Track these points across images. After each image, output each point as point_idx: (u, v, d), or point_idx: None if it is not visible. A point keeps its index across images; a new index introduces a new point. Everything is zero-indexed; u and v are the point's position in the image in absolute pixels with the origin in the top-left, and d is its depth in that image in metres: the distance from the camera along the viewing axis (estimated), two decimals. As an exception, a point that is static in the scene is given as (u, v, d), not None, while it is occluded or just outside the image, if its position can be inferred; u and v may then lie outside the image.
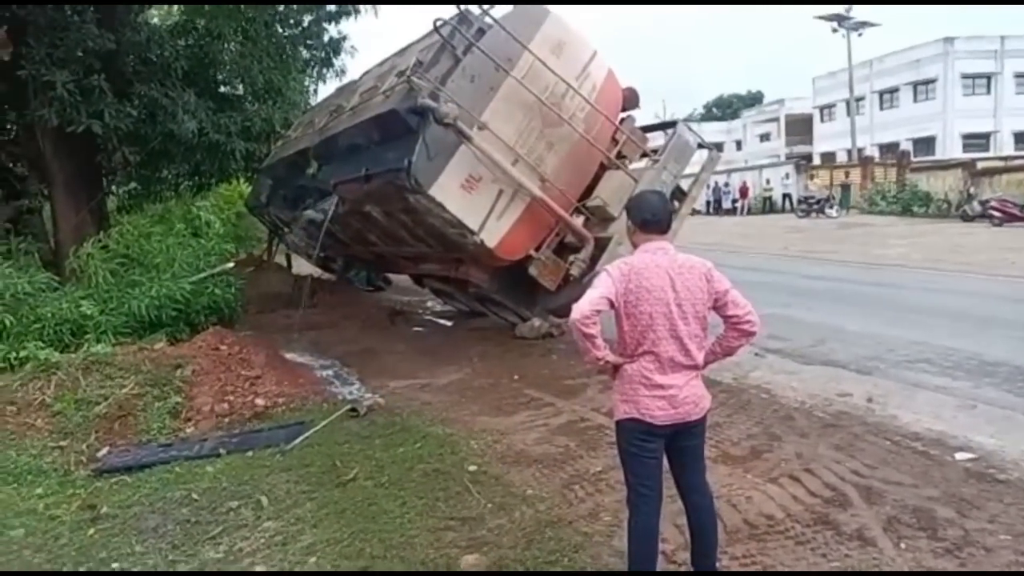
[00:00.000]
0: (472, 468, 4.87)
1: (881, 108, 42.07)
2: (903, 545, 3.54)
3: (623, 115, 8.55)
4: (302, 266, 15.22)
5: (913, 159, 31.97)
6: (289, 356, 8.64)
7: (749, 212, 34.97)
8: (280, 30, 13.85)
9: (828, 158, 42.07)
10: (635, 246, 3.14)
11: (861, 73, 39.86)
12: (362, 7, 13.88)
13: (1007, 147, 36.28)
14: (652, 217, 3.09)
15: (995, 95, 37.92)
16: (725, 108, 69.86)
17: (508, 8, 8.08)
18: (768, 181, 35.40)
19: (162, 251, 10.03)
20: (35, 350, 7.09)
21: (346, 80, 13.66)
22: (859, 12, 38.29)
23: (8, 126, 13.58)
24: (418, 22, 9.00)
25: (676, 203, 8.13)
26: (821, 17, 38.42)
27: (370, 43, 15.20)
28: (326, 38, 14.66)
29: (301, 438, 5.63)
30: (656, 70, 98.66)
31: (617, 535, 3.71)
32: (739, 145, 55.46)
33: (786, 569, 3.44)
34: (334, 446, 5.47)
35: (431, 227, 8.07)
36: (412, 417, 6.13)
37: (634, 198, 3.38)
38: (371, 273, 13.21)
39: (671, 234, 3.21)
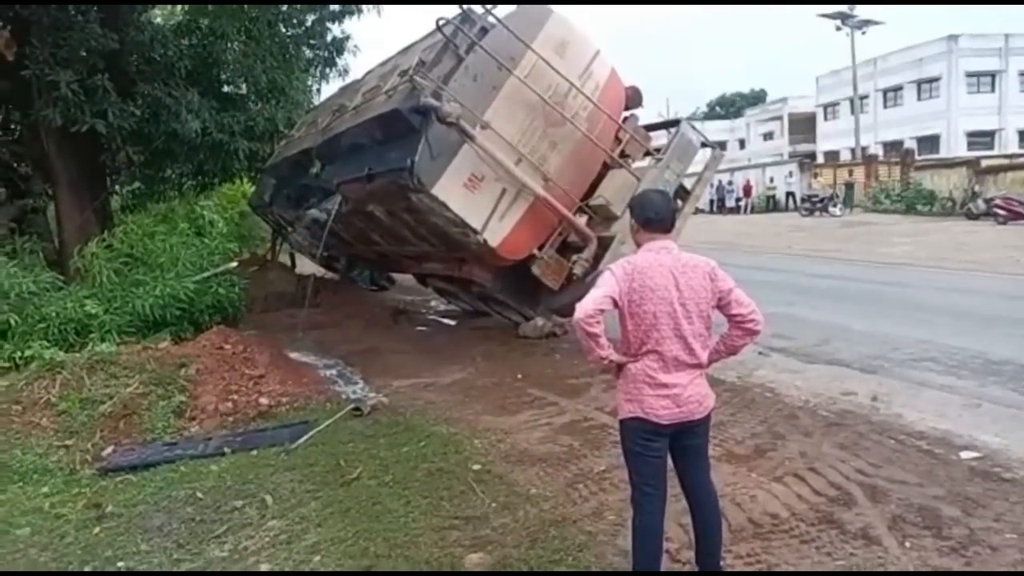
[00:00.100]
0: (476, 467, 4.88)
1: (885, 106, 41.97)
2: (908, 544, 3.54)
3: (626, 114, 8.55)
4: (306, 265, 15.24)
5: (917, 157, 31.86)
6: (293, 355, 8.66)
7: (752, 211, 34.91)
8: (283, 30, 13.86)
9: (832, 157, 41.99)
10: (639, 245, 3.13)
11: (865, 71, 39.75)
12: (365, 7, 13.88)
13: (1012, 145, 36.17)
14: (655, 216, 3.09)
15: (999, 93, 37.82)
16: (728, 107, 69.76)
17: (511, 7, 8.09)
18: (772, 180, 35.34)
19: (166, 250, 10.06)
20: (40, 349, 7.12)
21: (349, 79, 13.68)
22: (863, 10, 38.23)
23: (12, 126, 13.61)
24: (421, 21, 9.00)
25: (679, 202, 8.13)
26: (825, 15, 38.32)
27: (373, 42, 15.23)
28: (329, 37, 14.66)
29: (305, 437, 5.64)
30: (659, 69, 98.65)
31: (621, 534, 3.71)
32: (742, 144, 55.37)
33: (791, 568, 3.43)
34: (338, 445, 5.48)
35: (434, 226, 8.07)
36: (416, 416, 6.14)
37: (637, 197, 3.38)
38: (374, 272, 13.22)
39: (675, 233, 3.21)
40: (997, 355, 6.91)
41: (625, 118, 8.50)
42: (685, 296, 2.95)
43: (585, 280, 7.34)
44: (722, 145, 10.78)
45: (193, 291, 9.31)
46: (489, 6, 7.73)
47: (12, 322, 7.57)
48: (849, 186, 30.94)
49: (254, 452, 5.47)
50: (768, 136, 54.30)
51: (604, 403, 5.99)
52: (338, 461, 5.14)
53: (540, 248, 7.78)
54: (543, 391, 6.68)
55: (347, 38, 14.87)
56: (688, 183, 8.65)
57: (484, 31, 7.58)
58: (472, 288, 9.36)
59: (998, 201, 21.17)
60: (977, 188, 23.92)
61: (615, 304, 2.96)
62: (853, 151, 38.47)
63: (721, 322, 3.09)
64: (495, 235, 7.50)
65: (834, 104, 45.27)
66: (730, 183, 36.89)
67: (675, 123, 9.09)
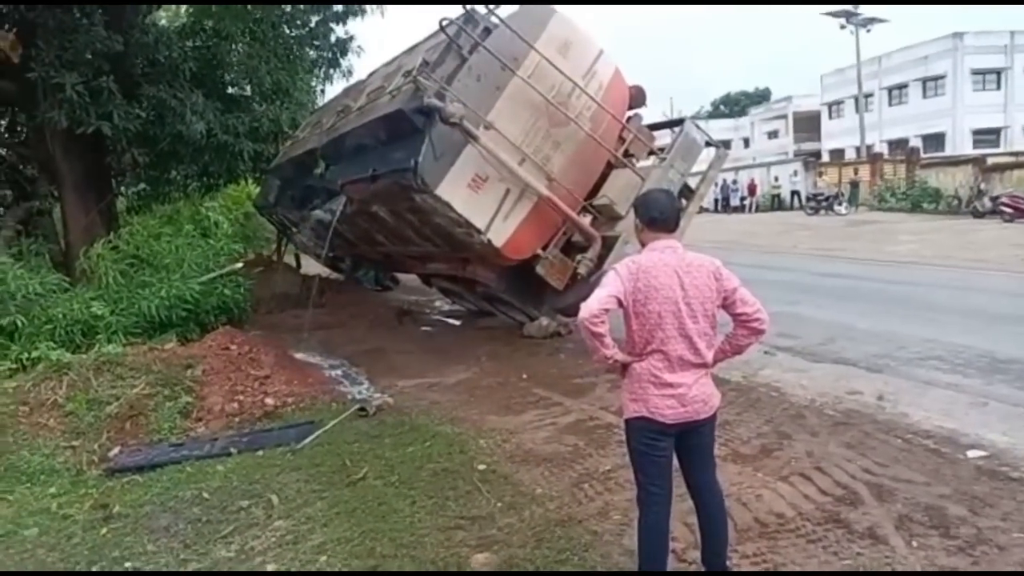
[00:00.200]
0: (481, 467, 4.88)
1: (890, 104, 41.80)
2: (915, 543, 3.53)
3: (630, 113, 8.54)
4: (311, 266, 15.27)
5: (922, 155, 31.74)
6: (298, 356, 8.68)
7: (757, 209, 34.80)
8: (287, 31, 13.89)
9: (837, 155, 41.83)
10: (643, 244, 3.13)
11: (869, 70, 39.60)
12: (368, 7, 13.90)
13: (1018, 143, 35.94)
14: (660, 215, 3.09)
15: (1005, 90, 37.61)
16: (733, 105, 69.59)
17: (514, 7, 8.09)
18: (776, 178, 35.23)
19: (171, 252, 10.09)
20: (47, 351, 7.15)
21: (353, 80, 13.70)
22: (867, 8, 38.09)
23: (18, 128, 13.69)
24: (425, 22, 9.01)
25: (684, 201, 8.11)
26: (829, 14, 38.18)
27: (377, 43, 15.23)
28: (333, 38, 14.68)
29: (311, 437, 5.65)
30: (663, 68, 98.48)
31: (627, 534, 3.71)
32: (747, 142, 55.25)
33: (797, 568, 3.43)
34: (344, 445, 5.49)
35: (438, 227, 8.08)
36: (421, 416, 6.15)
37: (642, 196, 3.38)
38: (379, 273, 13.25)
39: (679, 232, 3.20)
40: (1004, 353, 6.89)
41: (629, 117, 8.48)
42: (690, 295, 2.95)
43: (589, 280, 7.34)
44: (726, 144, 10.74)
45: (199, 292, 9.35)
46: (492, 6, 7.73)
47: (19, 323, 7.62)
48: (854, 184, 30.79)
49: (260, 452, 5.49)
50: (773, 135, 54.15)
51: (609, 403, 5.99)
52: (344, 461, 5.15)
53: (544, 248, 7.78)
54: (548, 391, 6.68)
55: (351, 39, 14.90)
56: (692, 182, 8.64)
57: (487, 31, 7.58)
58: (476, 288, 9.37)
59: (1004, 199, 21.06)
60: (983, 186, 23.80)
61: (620, 304, 2.96)
62: (858, 149, 38.32)
63: (726, 321, 3.09)
64: (499, 235, 7.50)
65: (839, 102, 45.10)
66: (734, 182, 36.79)
67: (679, 122, 9.08)
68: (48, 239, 11.58)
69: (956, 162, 27.59)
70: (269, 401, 6.64)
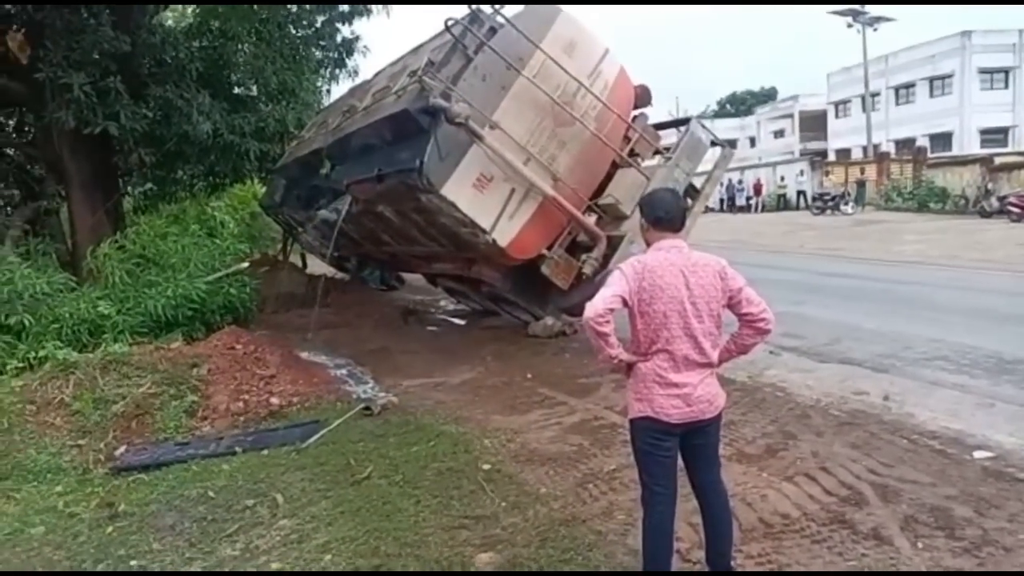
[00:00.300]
0: (486, 467, 4.88)
1: (897, 104, 41.65)
2: (920, 544, 3.52)
3: (635, 113, 8.52)
4: (316, 266, 15.30)
5: (930, 155, 31.63)
6: (304, 355, 8.69)
7: (763, 209, 34.74)
8: (293, 31, 13.93)
9: (843, 154, 41.72)
10: (648, 244, 3.13)
11: (876, 69, 39.47)
12: (374, 7, 13.93)
13: (1026, 142, 35.85)
14: (665, 215, 3.08)
15: (1013, 89, 37.44)
16: (738, 105, 69.41)
17: (519, 7, 8.08)
18: (782, 178, 35.15)
19: (178, 251, 10.14)
20: (54, 350, 7.19)
21: (359, 80, 13.72)
22: (874, 7, 37.97)
23: (26, 128, 13.77)
24: (430, 22, 9.01)
25: (689, 201, 8.10)
26: (836, 12, 38.07)
27: (382, 43, 15.26)
28: (339, 38, 14.72)
29: (316, 437, 5.66)
30: (669, 67, 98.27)
31: (631, 534, 3.70)
32: (753, 142, 55.10)
33: (802, 568, 3.42)
34: (348, 445, 5.50)
35: (443, 227, 8.09)
36: (426, 416, 6.15)
37: (647, 196, 3.37)
38: (384, 272, 13.25)
39: (684, 232, 3.20)
40: (1011, 354, 6.85)
41: (634, 117, 8.47)
42: (695, 295, 2.94)
43: (594, 279, 7.33)
44: (732, 143, 10.72)
45: (205, 292, 9.38)
46: (498, 6, 7.72)
47: (26, 323, 7.66)
48: (861, 184, 30.72)
49: (265, 451, 5.50)
50: (779, 134, 54.00)
51: (614, 402, 5.98)
52: (348, 460, 5.16)
53: (549, 248, 7.78)
54: (553, 390, 6.68)
55: (356, 39, 14.94)
56: (698, 182, 8.62)
57: (493, 31, 7.58)
58: (482, 288, 9.37)
59: (1012, 199, 20.97)
60: (990, 185, 23.71)
61: (625, 303, 2.95)
62: (865, 149, 38.20)
63: (732, 321, 3.08)
64: (504, 235, 7.51)
65: (845, 102, 44.96)
66: (740, 182, 36.74)
67: (685, 122, 9.07)
68: (55, 239, 11.63)
69: (963, 162, 27.49)
70: (274, 400, 6.66)
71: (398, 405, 6.51)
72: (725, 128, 48.00)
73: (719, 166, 8.93)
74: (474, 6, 7.65)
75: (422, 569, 3.65)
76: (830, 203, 28.09)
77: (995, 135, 36.66)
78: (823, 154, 42.57)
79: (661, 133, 9.01)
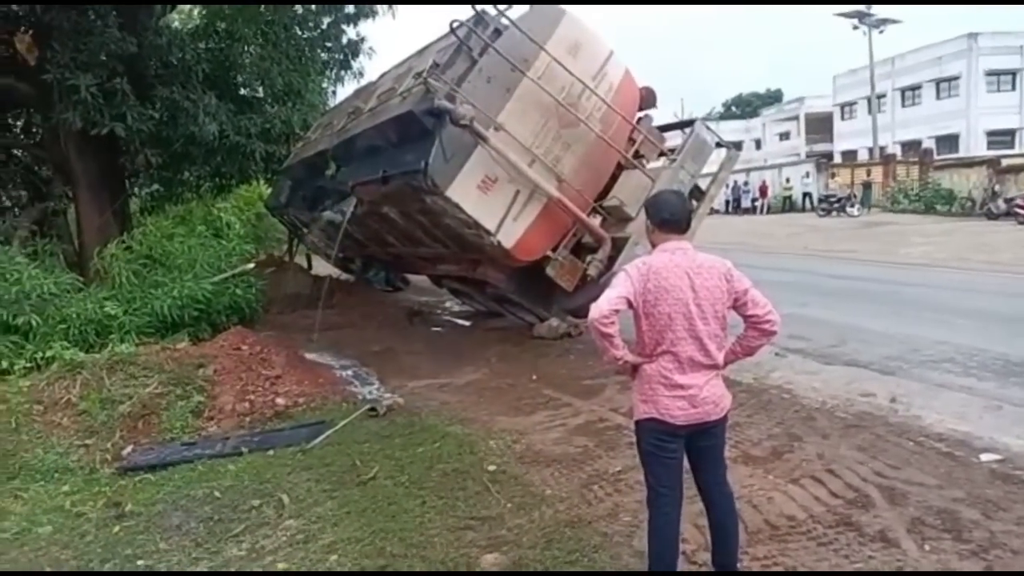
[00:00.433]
0: (491, 468, 4.88)
1: (903, 105, 41.52)
2: (927, 547, 3.50)
3: (640, 114, 8.52)
4: (321, 267, 15.33)
5: (936, 157, 31.51)
6: (309, 356, 8.71)
7: (769, 211, 34.63)
8: (299, 32, 13.96)
9: (849, 156, 41.57)
10: (654, 246, 3.13)
11: (882, 70, 39.35)
12: (379, 9, 13.96)
13: (1032, 144, 35.68)
14: (671, 217, 3.08)
15: (1021, 92, 37.26)
16: (744, 107, 69.34)
17: (525, 8, 8.10)
18: (788, 180, 35.06)
19: (184, 252, 10.17)
20: (61, 350, 7.23)
21: (364, 82, 13.76)
22: (880, 9, 37.85)
23: (33, 129, 13.83)
24: (435, 23, 9.03)
25: (694, 202, 8.08)
26: (842, 14, 37.98)
27: (388, 45, 15.29)
28: (344, 40, 14.74)
29: (322, 437, 5.67)
30: (674, 69, 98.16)
31: (637, 535, 3.70)
32: (758, 144, 54.99)
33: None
34: (354, 445, 5.51)
35: (448, 228, 8.10)
36: (431, 417, 6.16)
37: (652, 198, 3.37)
38: (389, 273, 13.27)
39: (690, 234, 3.20)
40: (1018, 356, 6.82)
41: (639, 119, 8.47)
42: (700, 297, 2.94)
43: (599, 281, 7.33)
44: (737, 145, 10.68)
45: (211, 292, 9.41)
46: (503, 7, 7.73)
47: (34, 323, 7.69)
48: (867, 186, 30.62)
49: (271, 452, 5.52)
50: (784, 136, 53.90)
51: (619, 404, 5.98)
52: (354, 461, 5.17)
53: (554, 249, 7.78)
54: (558, 392, 6.68)
55: (362, 40, 14.95)
56: (703, 183, 8.61)
57: (498, 33, 7.59)
58: (486, 289, 9.38)
59: (1019, 201, 20.89)
60: (997, 188, 23.61)
61: (630, 305, 2.95)
62: (871, 151, 38.07)
63: (737, 323, 3.08)
64: (509, 236, 7.51)
65: (851, 103, 44.83)
66: (746, 183, 36.64)
67: (690, 123, 9.06)
68: (62, 239, 11.70)
69: (970, 163, 27.37)
70: (280, 401, 6.67)
71: (403, 406, 6.52)
72: (731, 130, 47.87)
73: (724, 168, 8.91)
74: (479, 7, 7.66)
75: (428, 570, 3.65)
76: (836, 205, 28.00)
77: (1002, 137, 36.49)
78: (829, 156, 42.42)
79: (666, 135, 9.01)
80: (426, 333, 10.68)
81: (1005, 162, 25.69)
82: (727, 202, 35.81)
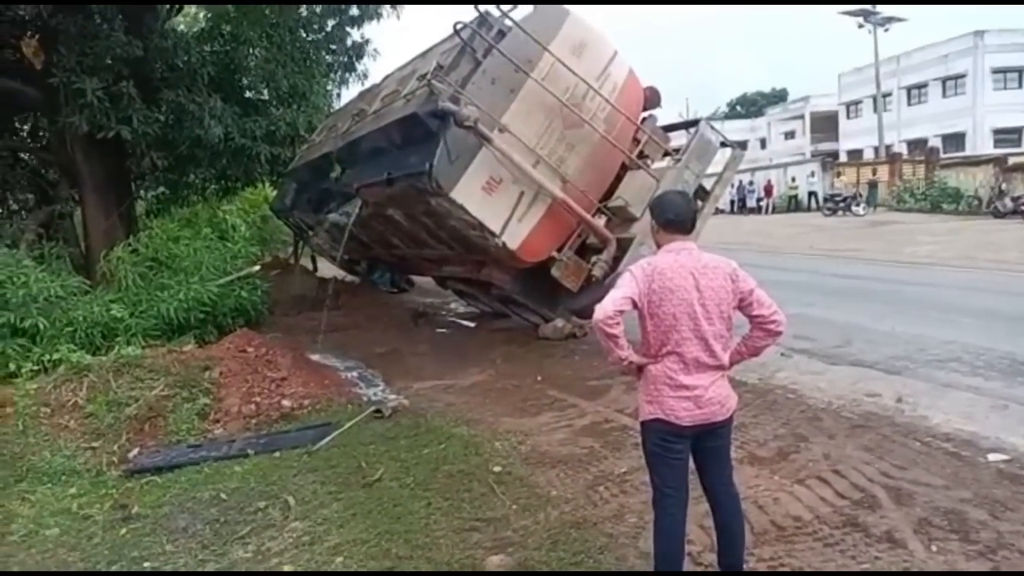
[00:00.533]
0: (497, 469, 4.88)
1: (909, 104, 41.35)
2: (934, 547, 3.49)
3: (644, 115, 8.51)
4: (327, 268, 15.36)
5: (942, 155, 31.39)
6: (314, 358, 8.73)
7: (774, 211, 34.55)
8: (304, 35, 14.01)
9: (855, 155, 41.46)
10: (659, 246, 3.12)
11: (888, 69, 39.20)
12: (384, 11, 13.99)
13: (1040, 142, 35.46)
14: (676, 217, 3.08)
15: (1027, 89, 37.09)
16: (749, 106, 69.15)
17: (529, 8, 8.10)
18: (793, 179, 34.97)
19: (190, 254, 10.21)
20: (67, 353, 7.26)
21: (368, 84, 13.77)
22: (885, 7, 37.74)
23: (40, 133, 13.91)
24: (439, 25, 9.04)
25: (699, 202, 8.07)
26: (847, 13, 37.87)
27: (392, 47, 15.31)
28: (349, 42, 14.79)
29: (327, 439, 5.68)
30: (679, 69, 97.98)
31: (643, 536, 3.70)
32: (764, 143, 54.84)
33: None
34: (360, 447, 5.52)
35: (453, 229, 8.11)
36: (436, 418, 6.16)
37: (657, 198, 3.37)
38: (394, 275, 13.31)
39: (695, 234, 3.19)
40: (1026, 356, 6.79)
41: (643, 119, 8.46)
42: (705, 297, 2.94)
43: (604, 282, 7.32)
44: (742, 145, 10.68)
45: (216, 294, 9.44)
46: (507, 7, 7.74)
47: (40, 326, 7.72)
48: (872, 185, 30.52)
49: (277, 454, 5.53)
50: (790, 135, 53.75)
51: (624, 405, 5.97)
52: (360, 463, 5.18)
53: (559, 250, 7.77)
54: (563, 393, 6.68)
55: (366, 42, 15.01)
56: (708, 183, 8.60)
57: (501, 34, 7.60)
58: (491, 290, 9.38)
59: (1026, 199, 20.80)
60: (1004, 186, 23.50)
61: (634, 305, 2.95)
62: (876, 149, 37.95)
63: (742, 323, 3.07)
64: (514, 237, 7.51)
65: (857, 102, 44.67)
66: (751, 183, 36.55)
67: (694, 123, 9.05)
68: (69, 242, 11.75)
69: (976, 162, 27.26)
70: (286, 403, 6.69)
71: (409, 407, 6.53)
72: (736, 129, 47.70)
73: (729, 168, 8.90)
74: (482, 8, 7.66)
75: (433, 571, 3.66)
76: (841, 204, 27.92)
77: (1009, 135, 36.29)
78: (834, 155, 42.32)
79: (671, 135, 9.00)
80: (431, 334, 10.68)
81: (1012, 160, 25.57)
82: (732, 202, 35.73)
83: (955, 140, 37.18)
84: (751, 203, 36.00)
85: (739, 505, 3.22)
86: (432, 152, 7.17)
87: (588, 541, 3.79)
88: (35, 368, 7.15)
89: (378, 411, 6.32)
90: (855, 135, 44.25)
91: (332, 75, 15.39)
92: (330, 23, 14.32)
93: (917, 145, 37.32)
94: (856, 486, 4.21)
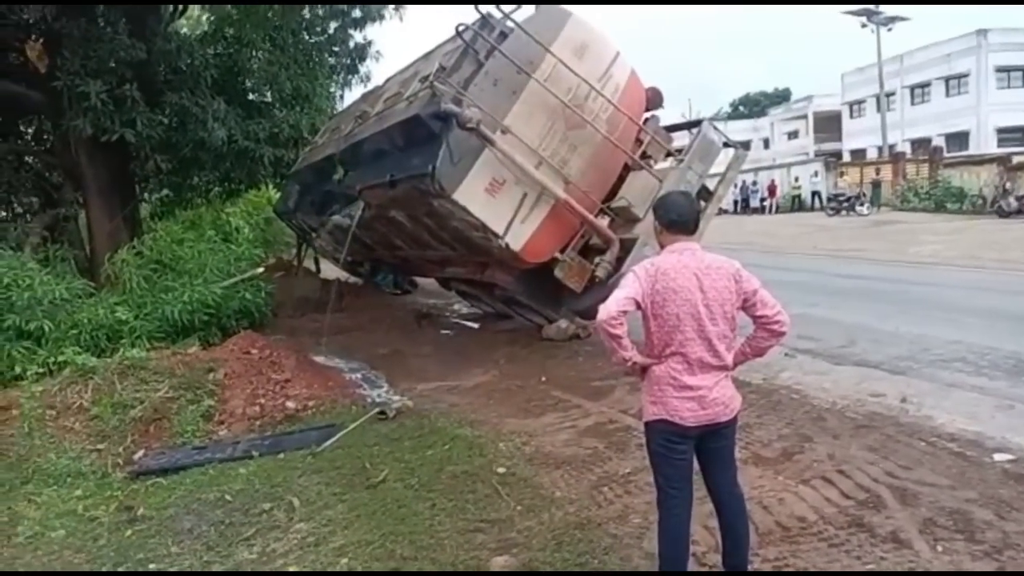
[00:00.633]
0: (501, 470, 4.89)
1: (912, 103, 41.24)
2: (940, 548, 3.48)
3: (647, 115, 8.51)
4: (330, 270, 15.38)
5: (946, 154, 31.32)
6: (318, 359, 8.74)
7: (777, 211, 34.51)
8: (307, 37, 14.05)
9: (858, 155, 41.37)
10: (662, 247, 3.13)
11: (891, 68, 39.12)
12: (386, 13, 14.02)
13: (1043, 141, 35.34)
14: (679, 217, 3.08)
15: (1031, 88, 36.96)
16: (752, 106, 69.02)
17: (531, 8, 8.10)
18: (797, 179, 34.93)
19: (194, 257, 10.23)
20: (73, 355, 7.28)
21: (371, 86, 13.80)
22: (888, 7, 37.66)
23: (44, 136, 13.96)
24: (442, 27, 9.06)
25: (702, 203, 8.06)
26: (849, 12, 37.82)
27: (395, 48, 15.35)
28: (351, 44, 14.83)
29: (332, 440, 5.69)
30: (681, 69, 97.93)
31: (647, 537, 3.70)
32: (767, 143, 54.72)
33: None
34: (364, 448, 5.53)
35: (456, 231, 8.11)
36: (440, 419, 6.17)
37: (661, 199, 3.37)
38: (397, 276, 13.30)
39: (698, 234, 3.19)
40: (1030, 355, 6.77)
41: (646, 119, 8.45)
42: (709, 297, 2.94)
43: (608, 282, 7.32)
44: (746, 145, 10.66)
45: (220, 296, 9.46)
46: (509, 7, 7.75)
47: (46, 328, 7.75)
48: (876, 185, 30.47)
49: (281, 455, 5.54)
50: (793, 135, 53.65)
51: (628, 405, 5.97)
52: (364, 464, 5.18)
53: (562, 251, 7.77)
54: (567, 393, 6.68)
55: (369, 44, 15.05)
56: (711, 184, 8.60)
57: (503, 35, 7.61)
58: (495, 291, 9.39)
59: (1030, 198, 20.74)
60: (1008, 185, 23.42)
61: (638, 306, 2.95)
62: (880, 149, 37.87)
63: (746, 323, 3.07)
64: (517, 239, 7.51)
65: (860, 102, 44.58)
66: (754, 183, 36.52)
67: (697, 123, 9.05)
68: (73, 245, 11.78)
69: (980, 161, 27.18)
70: (290, 404, 6.70)
71: (412, 408, 6.53)
72: (739, 129, 47.64)
73: (732, 168, 8.89)
74: (484, 9, 7.66)
75: (438, 571, 3.66)
76: (845, 204, 27.87)
77: (1012, 134, 36.15)
78: (838, 155, 42.22)
79: (673, 135, 9.00)
80: (435, 336, 10.69)
81: (1016, 159, 25.48)
82: (736, 202, 35.69)
83: (959, 139, 37.07)
84: (754, 203, 35.97)
85: (743, 505, 3.21)
86: (435, 154, 7.18)
87: (592, 542, 3.79)
88: (40, 371, 7.17)
89: (382, 412, 6.33)
90: (858, 135, 44.16)
91: (335, 77, 15.43)
92: (333, 25, 14.36)
93: (921, 144, 37.25)
94: (861, 486, 4.20)
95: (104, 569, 4.00)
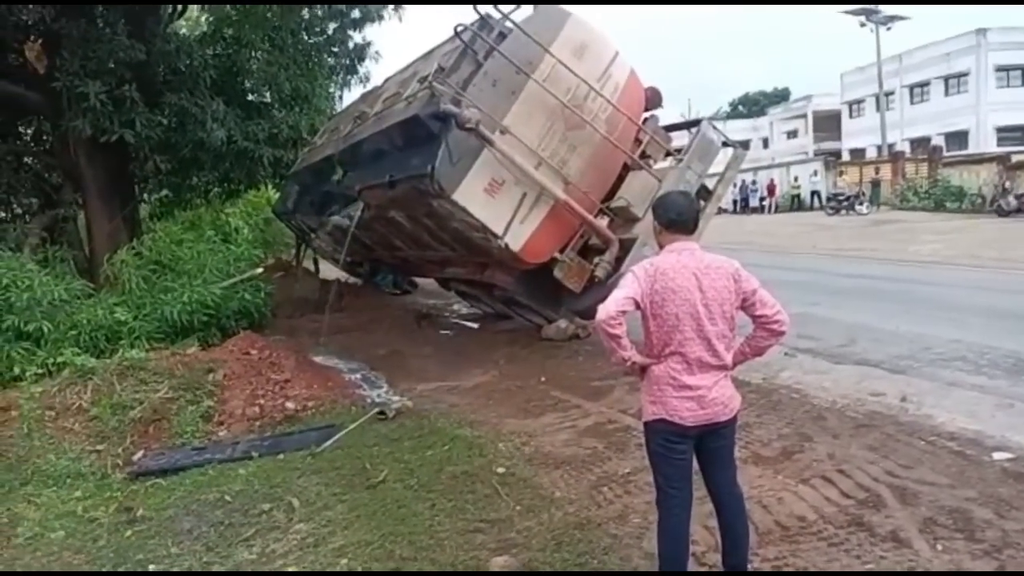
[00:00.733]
0: (500, 470, 4.89)
1: (912, 102, 41.25)
2: (939, 547, 3.48)
3: (646, 115, 8.51)
4: (329, 271, 15.38)
5: (945, 153, 31.32)
6: (318, 360, 8.74)
7: (777, 210, 34.52)
8: (306, 37, 14.05)
9: (858, 154, 41.38)
10: (661, 246, 3.13)
11: (890, 68, 39.13)
12: (385, 13, 14.01)
13: (1043, 140, 35.34)
14: (678, 217, 3.08)
15: (1030, 87, 36.95)
16: (751, 105, 69.03)
17: (530, 8, 8.10)
18: (796, 178, 34.94)
19: (193, 257, 10.23)
20: (72, 356, 7.27)
21: (370, 86, 13.79)
22: (887, 6, 37.67)
23: (43, 137, 13.95)
24: (441, 27, 9.06)
25: (701, 202, 8.06)
26: (848, 12, 37.83)
27: (394, 49, 15.36)
28: (351, 45, 14.82)
29: (331, 441, 5.69)
30: (680, 68, 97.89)
31: (647, 537, 3.70)
32: (766, 143, 54.75)
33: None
34: (364, 448, 5.53)
35: (455, 231, 8.11)
36: (440, 419, 6.16)
37: (660, 199, 3.37)
38: (397, 277, 13.31)
39: (697, 234, 3.19)
40: (1030, 354, 6.77)
41: (645, 119, 8.45)
42: (708, 297, 2.94)
43: (607, 282, 7.32)
44: (745, 144, 10.67)
45: (220, 297, 9.46)
46: (508, 7, 7.75)
47: (45, 329, 7.75)
48: (875, 184, 30.48)
49: (281, 456, 5.54)
50: (792, 135, 53.66)
51: (628, 405, 5.97)
52: (363, 464, 5.18)
53: (562, 251, 7.77)
54: (567, 394, 6.68)
55: (368, 45, 15.04)
56: (710, 183, 8.59)
57: (502, 36, 7.60)
58: (494, 291, 9.38)
59: (1029, 197, 20.74)
60: (1007, 184, 23.42)
61: (637, 305, 2.95)
62: (879, 148, 37.89)
63: (745, 323, 3.07)
64: (516, 239, 7.51)
65: (859, 101, 44.59)
66: (754, 182, 36.53)
67: (696, 123, 9.04)
68: (73, 246, 11.78)
69: (980, 160, 27.19)
70: (289, 405, 6.70)
71: (412, 409, 6.53)
72: (738, 129, 47.63)
73: (731, 167, 8.89)
74: (483, 8, 7.66)
75: (437, 571, 3.66)
76: (844, 203, 27.88)
77: (1012, 133, 36.14)
78: (837, 154, 42.23)
79: (673, 135, 8.99)
80: (434, 336, 10.69)
81: (1015, 158, 25.48)
82: (735, 201, 35.70)
83: (958, 138, 37.07)
84: (754, 203, 35.98)
85: (743, 505, 3.21)
86: (434, 154, 7.18)
87: (592, 542, 3.79)
88: (39, 371, 7.17)
89: (382, 413, 6.33)
90: (858, 134, 44.17)
91: (334, 77, 15.43)
92: (332, 26, 14.35)
93: (920, 144, 37.25)
94: (861, 485, 4.20)
95: (104, 570, 3.99)
